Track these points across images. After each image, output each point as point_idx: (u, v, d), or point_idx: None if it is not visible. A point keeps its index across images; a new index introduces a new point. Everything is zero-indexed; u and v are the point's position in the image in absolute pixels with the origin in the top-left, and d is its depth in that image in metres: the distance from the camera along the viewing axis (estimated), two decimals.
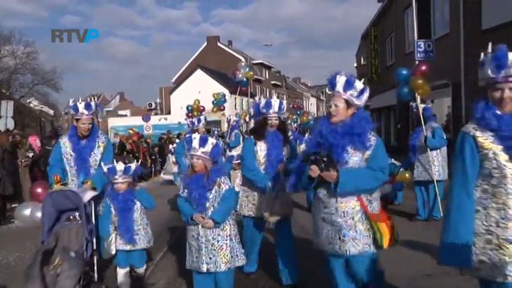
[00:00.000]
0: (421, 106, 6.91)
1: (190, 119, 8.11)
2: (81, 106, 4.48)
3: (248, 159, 4.36)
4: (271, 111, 4.28)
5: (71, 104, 4.58)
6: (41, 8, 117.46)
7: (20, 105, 28.39)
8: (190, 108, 14.23)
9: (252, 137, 4.48)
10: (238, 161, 5.92)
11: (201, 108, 13.73)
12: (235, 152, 7.17)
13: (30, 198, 3.82)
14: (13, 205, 8.68)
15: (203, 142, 3.54)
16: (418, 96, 6.98)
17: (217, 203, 3.55)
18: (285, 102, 4.42)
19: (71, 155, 4.63)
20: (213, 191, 3.56)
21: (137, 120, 26.58)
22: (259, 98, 4.49)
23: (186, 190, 3.65)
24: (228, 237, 3.59)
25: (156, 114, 37.74)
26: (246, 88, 9.47)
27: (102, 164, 4.42)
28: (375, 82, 24.31)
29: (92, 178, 4.51)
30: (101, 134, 4.92)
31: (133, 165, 4.36)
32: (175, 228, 7.01)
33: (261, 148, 4.30)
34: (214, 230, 3.55)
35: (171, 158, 12.66)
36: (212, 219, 3.50)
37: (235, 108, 36.11)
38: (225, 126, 13.25)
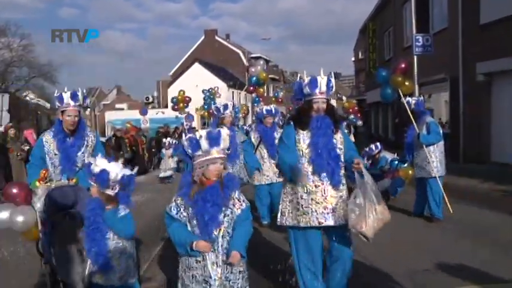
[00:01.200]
0: (413, 102, 6.72)
1: (216, 106, 6.96)
2: (66, 96, 4.00)
3: (285, 150, 3.47)
4: (316, 91, 3.36)
5: (56, 94, 4.14)
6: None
7: (16, 98, 28.23)
8: (175, 100, 13.86)
9: (292, 123, 3.58)
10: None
11: (187, 99, 13.46)
12: None
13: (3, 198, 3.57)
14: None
15: (217, 138, 2.60)
16: (401, 94, 6.81)
17: (231, 228, 2.67)
18: (333, 80, 3.45)
19: (55, 154, 4.14)
20: (228, 211, 2.66)
21: (134, 114, 26.45)
22: (300, 77, 3.55)
23: (184, 210, 2.69)
24: (246, 275, 2.77)
25: (153, 107, 37.56)
26: (254, 88, 9.26)
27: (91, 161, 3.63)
28: (372, 76, 24.30)
29: (79, 176, 4.02)
30: (90, 131, 4.42)
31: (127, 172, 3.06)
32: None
33: (304, 137, 3.42)
34: (232, 268, 2.64)
35: (167, 153, 12.25)
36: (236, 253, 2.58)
37: (232, 101, 36.08)
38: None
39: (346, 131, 6.94)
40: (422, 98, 7.22)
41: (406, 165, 7.06)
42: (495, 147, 11.83)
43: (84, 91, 4.28)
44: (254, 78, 8.81)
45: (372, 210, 3.06)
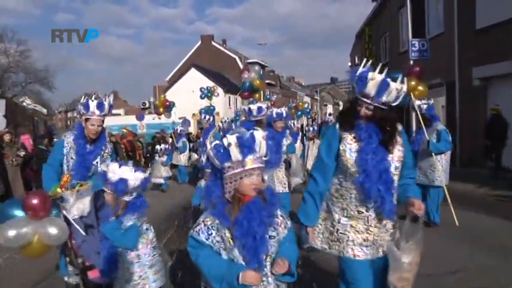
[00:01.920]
0: (424, 106, 6.41)
1: (248, 106, 6.03)
2: (92, 104, 3.93)
3: (323, 160, 2.80)
4: (365, 91, 2.60)
5: (82, 101, 4.02)
6: (34, 5, 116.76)
7: (12, 103, 28.15)
8: (155, 105, 13.59)
9: (336, 124, 2.85)
10: None
11: (167, 103, 13.25)
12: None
13: (22, 209, 3.33)
14: None
15: (250, 144, 2.04)
16: (413, 98, 6.54)
17: (275, 254, 2.15)
18: (392, 85, 2.59)
19: (72, 158, 4.07)
20: (273, 232, 2.14)
21: (131, 120, 26.41)
22: (358, 63, 2.84)
23: (217, 234, 2.10)
24: None
25: (150, 113, 37.50)
26: (248, 94, 9.04)
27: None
28: None
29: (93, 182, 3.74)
30: (108, 142, 4.35)
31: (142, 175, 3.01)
32: (167, 228, 6.90)
33: (351, 147, 2.67)
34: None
35: (160, 161, 11.60)
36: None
37: (230, 107, 36.08)
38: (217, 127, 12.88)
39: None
40: (432, 102, 6.81)
41: None
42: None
43: (111, 99, 4.23)
44: (247, 84, 8.58)
45: (416, 263, 2.54)
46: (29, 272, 5.15)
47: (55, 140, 19.26)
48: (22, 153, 9.36)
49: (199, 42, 49.25)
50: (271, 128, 5.82)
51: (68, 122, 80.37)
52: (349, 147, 2.68)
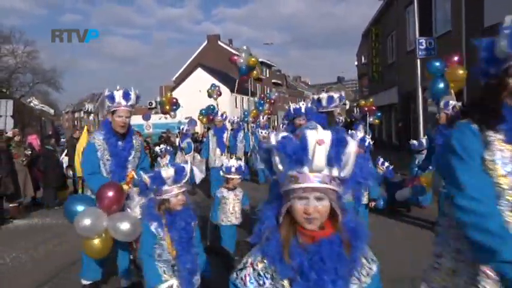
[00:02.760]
0: (458, 104, 5.64)
1: (317, 96, 4.84)
2: (118, 94, 3.66)
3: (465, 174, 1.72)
4: None
5: (106, 93, 3.74)
6: (41, 6, 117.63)
7: (20, 104, 28.38)
8: (161, 102, 13.09)
9: (469, 121, 1.83)
10: (237, 176, 4.68)
11: (174, 100, 12.98)
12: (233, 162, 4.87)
13: (97, 203, 3.17)
14: (10, 205, 8.62)
15: (340, 150, 1.31)
16: (452, 91, 5.93)
17: None
18: None
19: (108, 160, 3.76)
20: (353, 281, 1.41)
21: (138, 119, 26.49)
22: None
23: (273, 284, 1.39)
24: None
25: (156, 113, 37.61)
26: (248, 77, 8.83)
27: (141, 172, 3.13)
28: (376, 80, 24.24)
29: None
30: (135, 136, 4.07)
31: (186, 166, 2.76)
32: None
33: (504, 156, 1.69)
34: None
35: (163, 162, 10.71)
36: None
37: (236, 107, 36.09)
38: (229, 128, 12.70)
39: (363, 133, 6.07)
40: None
41: (427, 172, 6.37)
42: None
43: (137, 91, 3.91)
44: (243, 67, 8.55)
45: None
46: (35, 272, 5.17)
47: (62, 139, 19.33)
48: (29, 153, 9.42)
49: (206, 42, 49.33)
50: (293, 125, 4.67)
51: (75, 122, 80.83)
52: (500, 155, 1.72)
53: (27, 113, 31.32)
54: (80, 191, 11.43)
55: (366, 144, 5.09)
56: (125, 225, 3.05)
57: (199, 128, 22.73)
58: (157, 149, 11.44)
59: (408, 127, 18.15)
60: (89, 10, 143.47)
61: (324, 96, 4.61)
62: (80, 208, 3.26)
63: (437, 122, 5.62)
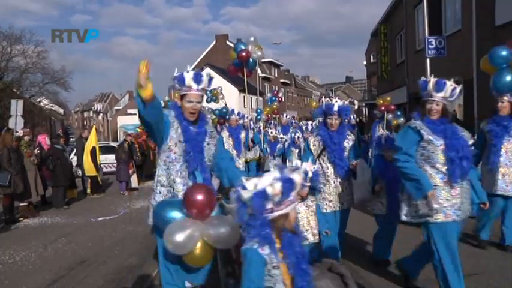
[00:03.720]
0: None
1: (326, 103, 4.45)
2: (188, 77, 3.23)
3: None
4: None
5: (176, 74, 3.31)
6: (51, 7, 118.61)
7: (30, 104, 28.61)
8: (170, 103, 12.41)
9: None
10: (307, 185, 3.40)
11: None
12: None
13: (186, 209, 2.77)
14: (21, 204, 8.69)
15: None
16: None
17: None
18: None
19: (180, 141, 3.25)
20: None
21: None
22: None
23: None
24: None
25: None
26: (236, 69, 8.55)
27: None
28: (384, 80, 24.09)
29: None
30: (208, 122, 3.55)
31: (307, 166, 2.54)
32: None
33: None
34: None
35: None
36: None
37: (244, 106, 36.07)
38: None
39: (384, 132, 6.22)
40: None
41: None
42: None
43: (210, 72, 3.54)
44: (252, 61, 8.33)
45: None
46: (44, 271, 5.19)
47: (71, 139, 19.43)
48: (38, 152, 9.50)
49: (214, 42, 49.40)
50: (325, 125, 4.50)
51: (84, 122, 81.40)
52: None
53: (37, 112, 31.60)
54: (88, 190, 11.55)
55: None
56: (222, 231, 2.68)
57: None
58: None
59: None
60: (98, 10, 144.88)
61: (330, 104, 4.37)
62: (174, 215, 2.85)
63: (496, 111, 5.31)
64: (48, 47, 38.55)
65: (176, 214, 2.84)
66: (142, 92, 2.80)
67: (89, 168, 11.15)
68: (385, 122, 11.30)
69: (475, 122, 12.75)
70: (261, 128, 11.63)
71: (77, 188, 10.96)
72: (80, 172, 12.19)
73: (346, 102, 4.54)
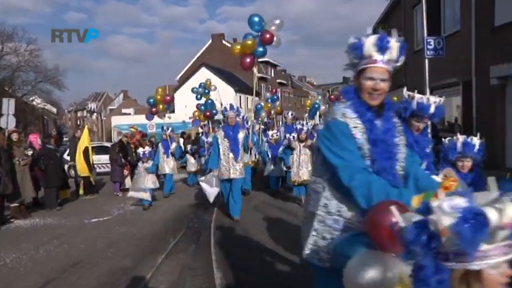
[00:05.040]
0: None
1: (418, 100, 3.37)
2: (368, 43, 2.23)
3: None
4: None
5: (351, 41, 2.29)
6: (44, 4, 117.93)
7: (22, 103, 28.27)
8: (152, 101, 11.39)
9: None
10: None
11: (167, 98, 11.83)
12: None
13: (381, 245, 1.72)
14: (12, 205, 8.45)
15: None
16: None
17: None
18: None
19: (369, 147, 2.16)
20: None
21: (141, 119, 26.39)
22: None
23: None
24: None
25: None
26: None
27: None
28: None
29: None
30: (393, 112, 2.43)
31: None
32: (176, 230, 6.90)
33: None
34: None
35: (143, 168, 9.09)
36: None
37: (241, 107, 35.90)
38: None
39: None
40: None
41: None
42: (510, 152, 11.52)
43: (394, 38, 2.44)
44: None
45: None
46: (35, 274, 5.04)
47: (65, 138, 19.20)
48: (30, 153, 9.24)
49: (210, 41, 49.17)
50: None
51: (78, 121, 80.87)
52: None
53: (29, 111, 31.25)
54: (81, 191, 11.31)
55: None
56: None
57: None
58: (139, 151, 9.61)
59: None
60: (93, 8, 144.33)
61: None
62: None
63: None
64: (41, 45, 38.24)
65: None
66: None
67: (82, 169, 10.94)
68: None
69: (473, 122, 12.69)
70: (259, 125, 11.36)
71: (69, 188, 10.74)
72: (72, 172, 11.96)
73: (442, 100, 3.43)
